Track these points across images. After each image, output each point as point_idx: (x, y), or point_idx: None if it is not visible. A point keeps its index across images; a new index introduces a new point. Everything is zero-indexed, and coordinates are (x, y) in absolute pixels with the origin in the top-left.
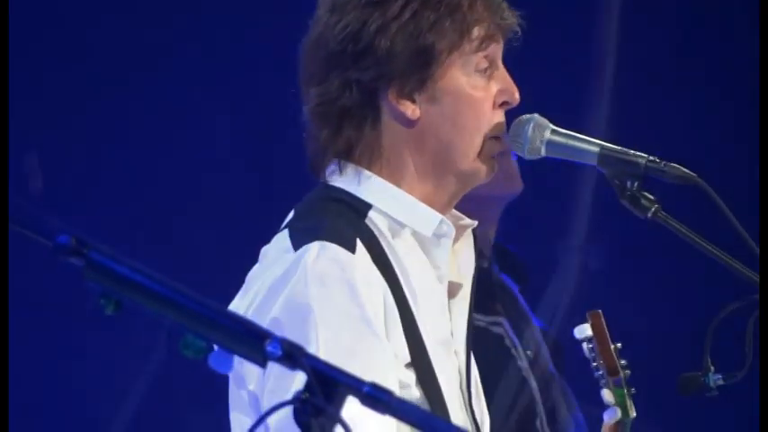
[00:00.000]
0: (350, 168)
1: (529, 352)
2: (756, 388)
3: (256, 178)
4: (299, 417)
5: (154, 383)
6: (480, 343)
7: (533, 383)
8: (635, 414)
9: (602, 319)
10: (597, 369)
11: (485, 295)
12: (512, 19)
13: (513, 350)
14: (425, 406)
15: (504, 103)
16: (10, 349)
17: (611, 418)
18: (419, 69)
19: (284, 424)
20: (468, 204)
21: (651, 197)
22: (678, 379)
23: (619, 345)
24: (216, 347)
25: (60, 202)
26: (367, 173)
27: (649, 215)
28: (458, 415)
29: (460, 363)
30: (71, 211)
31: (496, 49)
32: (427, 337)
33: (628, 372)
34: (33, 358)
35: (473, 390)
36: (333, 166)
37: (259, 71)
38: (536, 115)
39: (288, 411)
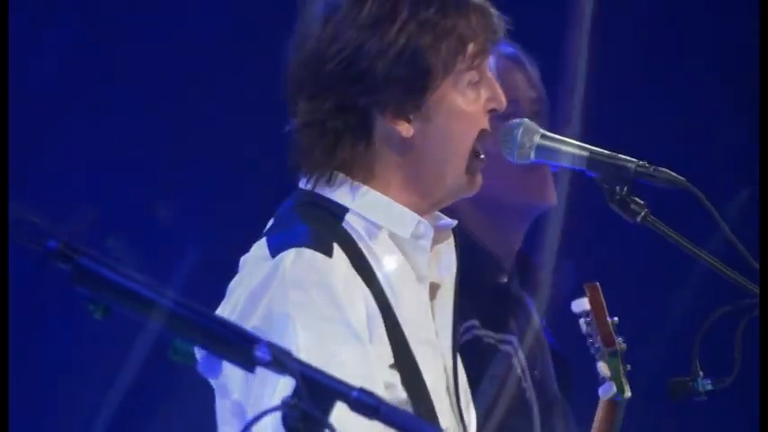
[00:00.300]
0: (332, 175)
1: (536, 372)
2: (746, 391)
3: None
4: (287, 423)
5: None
6: (488, 359)
7: (535, 406)
8: (630, 394)
9: (600, 292)
10: (594, 344)
11: (499, 311)
12: (502, 30)
13: (519, 370)
14: (412, 407)
15: (492, 110)
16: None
17: (606, 393)
18: (416, 92)
19: (271, 431)
20: (498, 214)
21: (640, 201)
22: (667, 384)
23: (615, 319)
24: (204, 353)
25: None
26: (346, 179)
27: (638, 219)
28: (445, 416)
29: (447, 364)
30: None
31: (486, 59)
32: (411, 337)
33: (624, 346)
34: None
35: (461, 391)
36: (314, 174)
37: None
38: (525, 120)
39: (274, 418)
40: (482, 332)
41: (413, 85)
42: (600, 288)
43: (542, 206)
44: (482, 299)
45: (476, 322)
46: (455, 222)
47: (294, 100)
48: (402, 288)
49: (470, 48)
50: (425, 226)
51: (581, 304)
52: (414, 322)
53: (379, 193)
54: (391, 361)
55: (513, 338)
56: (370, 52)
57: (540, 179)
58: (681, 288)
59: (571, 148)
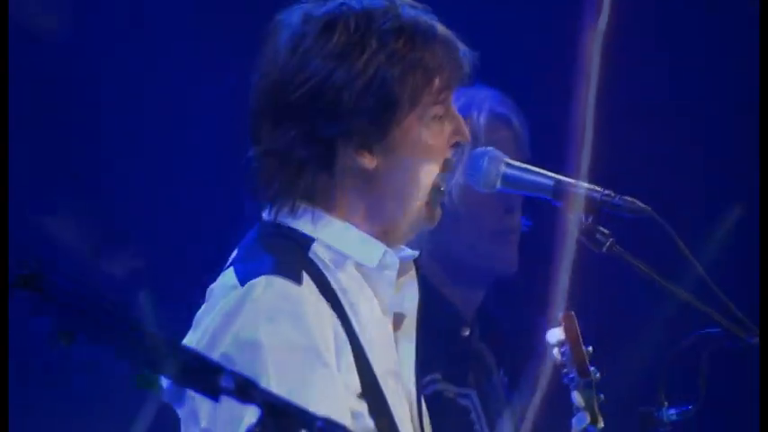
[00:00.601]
0: (296, 205)
1: (494, 426)
2: (713, 421)
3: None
4: None
5: None
6: (446, 413)
7: None
8: (603, 425)
9: (575, 321)
10: (568, 373)
11: (458, 365)
12: (468, 65)
13: (476, 425)
14: None
15: (455, 144)
16: None
17: (580, 423)
18: (382, 124)
19: None
20: (461, 274)
21: (606, 231)
22: (636, 414)
23: (590, 348)
24: (170, 382)
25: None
26: (310, 208)
27: (604, 249)
28: None
29: (411, 394)
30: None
31: (452, 92)
32: (377, 367)
33: (598, 376)
34: None
35: (424, 422)
36: (277, 203)
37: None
38: (491, 149)
39: None
40: (442, 386)
41: (378, 116)
42: (575, 318)
43: (504, 272)
44: (444, 352)
45: (437, 375)
46: (417, 253)
47: (257, 127)
48: (367, 318)
49: (437, 81)
50: (391, 256)
51: (556, 334)
52: (379, 352)
53: (344, 223)
54: (359, 390)
55: (472, 392)
56: (336, 82)
57: (506, 246)
58: (653, 316)
59: (537, 176)
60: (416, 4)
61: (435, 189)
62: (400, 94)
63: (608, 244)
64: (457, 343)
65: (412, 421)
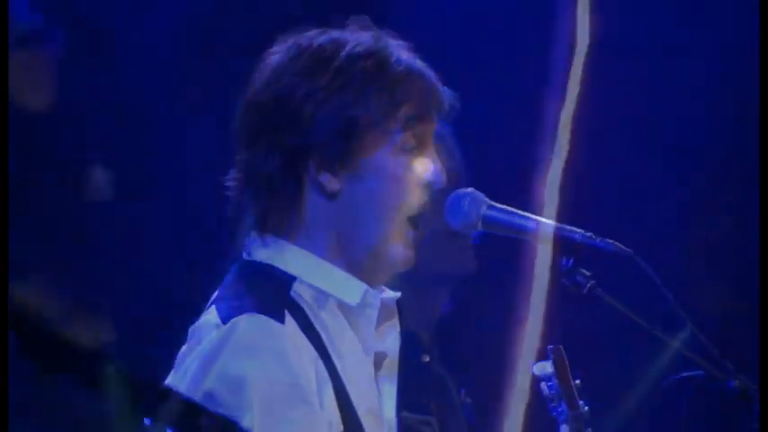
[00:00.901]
0: (270, 240)
1: None
2: None
3: None
4: None
5: None
6: None
7: None
8: None
9: (564, 355)
10: (557, 406)
11: (418, 392)
12: (445, 100)
13: None
14: None
15: (429, 184)
16: None
17: None
18: (341, 142)
19: None
20: (417, 282)
21: (587, 273)
22: None
23: (578, 382)
24: (151, 422)
25: None
26: (288, 244)
27: (585, 291)
28: None
29: None
30: None
31: (426, 129)
32: (358, 406)
33: (587, 410)
34: None
35: None
36: (254, 240)
37: None
38: (472, 190)
39: None
40: (403, 414)
41: (338, 131)
42: (563, 351)
43: (458, 274)
44: (404, 380)
45: None
46: (398, 295)
47: (238, 154)
48: (349, 357)
49: (404, 108)
50: (372, 295)
51: (544, 367)
52: (360, 391)
53: (324, 261)
54: (341, 428)
55: (433, 420)
56: (299, 95)
57: (458, 247)
58: (639, 353)
59: (518, 218)
60: (403, 43)
61: (405, 223)
62: (360, 114)
63: (589, 286)
64: (418, 370)
65: None
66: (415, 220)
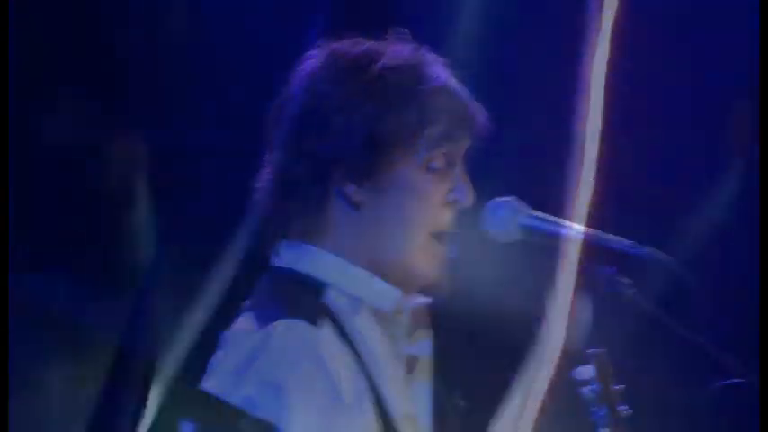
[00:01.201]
0: (301, 247)
1: None
2: None
3: None
4: None
5: None
6: None
7: None
8: None
9: (606, 359)
10: (598, 411)
11: None
12: (478, 120)
13: None
14: None
15: (455, 203)
16: None
17: None
18: (368, 155)
19: None
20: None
21: (627, 281)
22: None
23: (621, 387)
24: (191, 427)
25: None
26: (319, 251)
27: (626, 300)
28: None
29: None
30: None
31: (456, 148)
32: (394, 411)
33: (629, 412)
34: None
35: None
36: (285, 246)
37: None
38: (510, 199)
39: None
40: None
41: (365, 144)
42: (606, 356)
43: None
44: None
45: None
46: (430, 300)
47: (268, 153)
48: (383, 362)
49: (434, 128)
50: (405, 301)
51: (586, 372)
52: (395, 396)
53: (359, 268)
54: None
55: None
56: (331, 104)
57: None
58: (675, 360)
59: (556, 227)
60: (441, 59)
61: (430, 240)
62: (388, 129)
63: (629, 294)
64: None
65: None
66: (441, 237)
